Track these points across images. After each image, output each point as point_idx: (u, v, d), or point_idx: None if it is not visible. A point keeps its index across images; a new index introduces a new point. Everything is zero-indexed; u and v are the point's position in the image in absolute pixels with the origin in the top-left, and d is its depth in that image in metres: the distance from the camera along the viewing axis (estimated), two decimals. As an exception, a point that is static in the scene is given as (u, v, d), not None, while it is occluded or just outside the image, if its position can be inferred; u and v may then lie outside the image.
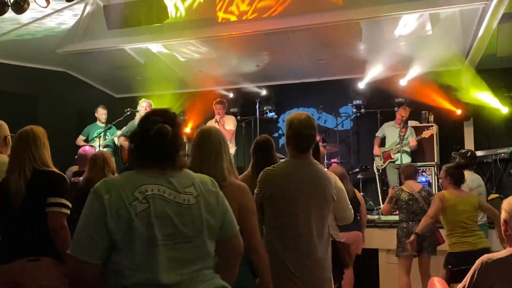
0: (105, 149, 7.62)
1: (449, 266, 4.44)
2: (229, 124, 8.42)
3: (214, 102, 8.49)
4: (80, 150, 6.12)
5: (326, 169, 3.87)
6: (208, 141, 2.97)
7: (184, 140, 2.25)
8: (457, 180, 5.52)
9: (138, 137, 2.15)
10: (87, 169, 4.79)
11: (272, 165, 3.47)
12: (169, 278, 1.97)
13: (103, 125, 8.94)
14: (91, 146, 7.34)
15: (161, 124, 2.10)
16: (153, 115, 2.18)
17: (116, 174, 4.72)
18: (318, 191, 3.32)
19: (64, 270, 3.18)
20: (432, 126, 9.02)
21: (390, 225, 6.90)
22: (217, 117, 8.36)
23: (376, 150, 8.99)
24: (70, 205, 3.34)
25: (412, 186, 6.20)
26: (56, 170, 3.49)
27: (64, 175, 3.53)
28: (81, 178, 5.12)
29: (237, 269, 2.31)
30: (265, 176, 3.37)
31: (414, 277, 6.12)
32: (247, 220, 2.84)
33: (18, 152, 3.44)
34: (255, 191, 3.34)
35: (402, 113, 8.75)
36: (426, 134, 8.51)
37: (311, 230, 3.22)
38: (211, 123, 8.21)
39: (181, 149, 2.18)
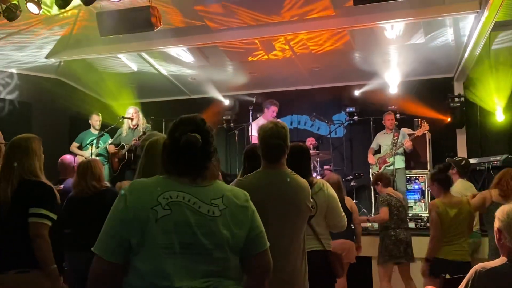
0: (97, 158, 7.58)
1: (443, 275, 4.42)
2: None
3: (268, 103, 8.29)
4: (60, 159, 6.16)
5: (317, 177, 3.83)
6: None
7: (215, 149, 2.21)
8: (445, 184, 5.38)
9: (168, 147, 2.13)
10: (74, 176, 4.79)
11: (244, 176, 3.40)
12: (182, 286, 1.94)
13: (97, 132, 8.91)
14: (72, 154, 7.37)
15: (190, 133, 2.08)
16: (182, 124, 2.14)
17: (105, 182, 4.72)
18: (290, 201, 3.19)
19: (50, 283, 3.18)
20: (425, 133, 9.05)
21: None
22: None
23: (371, 158, 8.98)
24: (53, 215, 3.30)
25: (397, 193, 6.22)
26: (45, 181, 3.45)
27: (51, 186, 3.48)
28: (61, 186, 5.35)
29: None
30: (237, 187, 3.33)
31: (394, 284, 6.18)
32: None
33: (8, 161, 3.41)
34: None
35: (388, 118, 8.81)
36: (419, 132, 8.52)
37: (283, 242, 3.10)
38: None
39: (212, 158, 2.16)
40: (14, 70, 9.28)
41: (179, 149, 2.08)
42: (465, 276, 2.99)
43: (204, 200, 2.04)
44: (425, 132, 8.67)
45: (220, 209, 2.05)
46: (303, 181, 3.31)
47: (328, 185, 3.80)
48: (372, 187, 8.99)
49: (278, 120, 3.55)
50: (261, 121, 7.78)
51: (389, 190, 6.30)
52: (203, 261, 1.99)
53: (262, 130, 3.30)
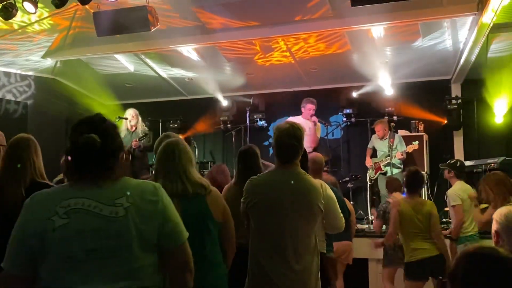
0: None
1: (440, 277, 4.40)
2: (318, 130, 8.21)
3: (304, 102, 8.18)
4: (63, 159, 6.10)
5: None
6: (176, 153, 3.09)
7: (122, 149, 2.13)
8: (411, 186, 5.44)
9: (68, 150, 2.06)
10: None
11: (258, 174, 3.45)
12: None
13: None
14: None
15: (87, 134, 2.00)
16: (80, 125, 2.07)
17: None
18: (302, 201, 3.24)
19: None
20: (422, 135, 9.06)
21: (380, 234, 6.87)
22: (313, 118, 8.05)
23: (368, 161, 8.98)
24: None
25: (398, 199, 6.17)
26: (50, 183, 3.39)
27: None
28: None
29: (186, 283, 2.12)
30: (249, 185, 3.35)
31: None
32: (229, 218, 3.25)
33: (12, 162, 3.27)
34: (241, 200, 3.33)
35: (378, 128, 8.78)
36: (409, 149, 8.49)
37: (294, 241, 3.17)
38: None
39: (115, 158, 2.08)
40: (11, 70, 9.24)
41: (77, 152, 2.03)
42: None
43: (106, 202, 1.97)
44: (415, 148, 8.61)
45: (124, 207, 1.97)
46: (316, 182, 3.36)
47: (327, 186, 3.78)
48: (368, 189, 9.01)
49: (294, 121, 3.54)
50: (299, 120, 7.68)
51: (394, 195, 6.25)
52: (110, 266, 1.93)
53: (278, 130, 3.34)
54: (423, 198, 8.35)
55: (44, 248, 1.91)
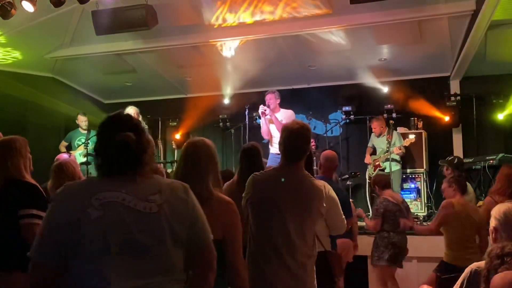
0: (72, 156, 7.51)
1: (438, 274, 4.43)
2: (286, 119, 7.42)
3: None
4: (56, 158, 6.13)
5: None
6: (193, 155, 2.87)
7: (152, 144, 2.17)
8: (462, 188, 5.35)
9: (101, 147, 2.09)
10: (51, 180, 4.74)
11: (261, 171, 3.45)
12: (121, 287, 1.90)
13: (85, 131, 8.87)
14: (69, 153, 7.32)
15: (123, 132, 2.04)
16: (111, 123, 2.12)
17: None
18: (302, 202, 3.25)
19: None
20: (421, 132, 9.07)
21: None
22: (263, 108, 7.58)
23: (368, 158, 9.00)
24: (42, 214, 3.28)
25: (395, 196, 6.13)
26: (29, 180, 3.44)
27: (36, 185, 3.46)
28: None
29: (209, 283, 2.17)
30: (251, 181, 3.36)
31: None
32: (231, 237, 2.76)
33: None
34: (243, 195, 3.33)
35: (374, 125, 8.82)
36: (406, 143, 8.49)
37: (291, 241, 3.17)
38: None
39: (148, 155, 2.12)
40: (8, 68, 9.23)
41: (113, 149, 2.05)
42: (459, 276, 2.99)
43: (140, 197, 2.01)
44: (411, 142, 8.60)
45: (157, 204, 2.01)
46: (317, 184, 3.36)
47: (329, 187, 3.78)
48: (368, 186, 9.02)
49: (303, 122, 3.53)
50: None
51: (387, 193, 6.15)
52: (142, 260, 1.95)
53: (287, 130, 3.34)
54: (423, 196, 8.39)
55: (78, 239, 1.92)
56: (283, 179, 3.26)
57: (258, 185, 3.32)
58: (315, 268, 3.32)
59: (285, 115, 7.58)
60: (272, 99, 7.63)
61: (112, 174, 2.06)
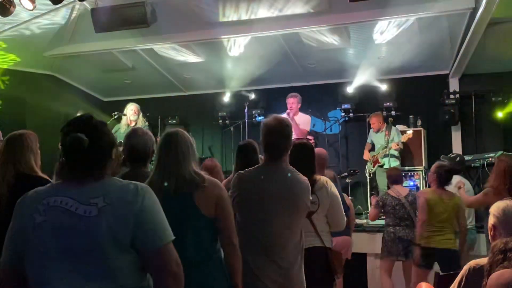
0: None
1: (436, 272, 4.44)
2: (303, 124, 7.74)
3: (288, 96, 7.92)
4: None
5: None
6: (171, 144, 2.88)
7: (111, 144, 2.11)
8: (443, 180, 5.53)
9: (59, 152, 2.08)
10: None
11: (246, 169, 3.42)
12: None
13: None
14: None
15: (75, 134, 2.01)
16: (67, 126, 2.08)
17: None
18: (287, 198, 3.21)
19: None
20: (420, 130, 9.08)
21: (378, 229, 6.90)
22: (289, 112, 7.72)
23: (366, 155, 9.00)
24: None
25: (399, 191, 6.16)
26: (41, 175, 3.44)
27: (48, 179, 3.44)
28: None
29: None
30: (236, 180, 3.33)
31: (398, 282, 6.18)
32: (225, 213, 2.84)
33: (4, 157, 3.40)
34: (229, 194, 3.26)
35: (373, 121, 8.81)
36: (403, 138, 8.49)
37: (279, 237, 3.16)
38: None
39: (106, 155, 2.08)
40: (7, 66, 9.22)
41: (65, 152, 2.04)
42: (458, 273, 2.99)
43: (83, 201, 1.97)
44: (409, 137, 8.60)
45: (98, 207, 1.95)
46: (303, 179, 3.32)
47: (332, 183, 3.79)
48: (368, 184, 9.03)
49: (283, 117, 3.51)
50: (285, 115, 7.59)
51: (394, 188, 6.25)
52: (84, 265, 1.92)
53: (266, 126, 3.31)
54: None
55: (25, 245, 1.95)
56: (262, 177, 3.23)
57: (243, 184, 3.29)
58: (303, 264, 3.29)
59: (302, 120, 7.75)
60: (294, 103, 7.80)
61: (67, 177, 2.06)
